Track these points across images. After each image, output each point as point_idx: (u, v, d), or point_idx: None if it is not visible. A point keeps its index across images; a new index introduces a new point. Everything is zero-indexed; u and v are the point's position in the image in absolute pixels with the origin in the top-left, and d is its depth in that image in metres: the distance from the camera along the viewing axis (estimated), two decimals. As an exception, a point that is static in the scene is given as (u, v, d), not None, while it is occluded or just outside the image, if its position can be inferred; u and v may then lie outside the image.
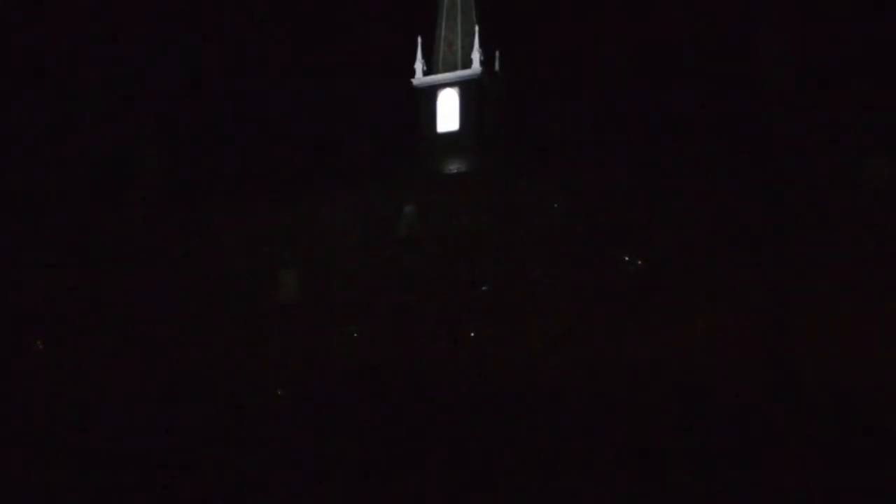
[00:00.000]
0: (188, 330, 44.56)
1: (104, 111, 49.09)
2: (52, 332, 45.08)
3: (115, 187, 47.05)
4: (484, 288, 38.83)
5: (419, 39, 46.45)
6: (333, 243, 42.40)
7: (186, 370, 43.91)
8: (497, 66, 47.37)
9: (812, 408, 28.01)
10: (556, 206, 38.17)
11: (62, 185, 47.64)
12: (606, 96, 44.52)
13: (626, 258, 36.15)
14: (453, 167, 41.77)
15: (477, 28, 45.37)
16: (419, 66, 45.98)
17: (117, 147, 48.78)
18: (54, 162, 48.34)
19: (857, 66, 33.60)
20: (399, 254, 40.72)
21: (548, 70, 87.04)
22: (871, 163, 31.91)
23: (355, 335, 41.09)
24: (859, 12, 35.28)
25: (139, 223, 46.18)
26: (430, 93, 45.27)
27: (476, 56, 44.45)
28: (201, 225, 45.90)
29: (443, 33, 46.44)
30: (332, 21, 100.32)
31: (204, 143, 54.61)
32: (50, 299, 45.93)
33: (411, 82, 45.84)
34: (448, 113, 44.74)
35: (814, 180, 32.52)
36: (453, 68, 45.36)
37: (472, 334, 38.73)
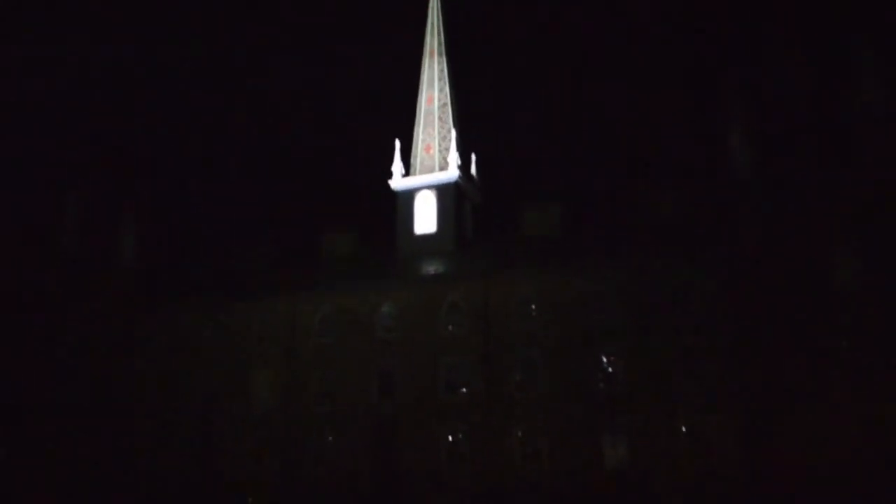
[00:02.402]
0: (158, 434, 43.27)
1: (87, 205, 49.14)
2: (19, 433, 43.64)
3: (90, 284, 46.47)
4: (463, 391, 38.39)
5: (397, 143, 47.46)
6: (309, 344, 41.89)
7: (156, 476, 42.49)
8: (473, 170, 48.36)
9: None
10: (533, 307, 38.28)
11: (38, 282, 47.05)
12: (582, 200, 45.44)
13: (605, 359, 36.11)
14: (430, 268, 41.93)
15: (454, 132, 46.49)
16: (397, 168, 46.77)
17: (94, 244, 48.58)
18: (31, 258, 47.97)
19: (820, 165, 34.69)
20: (376, 355, 40.29)
21: (524, 173, 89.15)
22: (840, 262, 32.59)
23: (330, 438, 40.09)
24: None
25: (114, 320, 45.39)
26: (408, 195, 45.88)
27: (453, 160, 45.34)
28: (175, 323, 45.08)
29: (420, 137, 47.52)
30: (312, 120, 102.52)
31: (180, 242, 54.50)
32: (18, 397, 44.70)
33: (389, 184, 46.55)
34: (425, 215, 45.25)
35: (784, 281, 33.03)
36: (431, 171, 46.20)
37: (451, 438, 38.04)
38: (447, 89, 48.09)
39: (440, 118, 47.44)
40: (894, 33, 35.11)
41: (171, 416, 43.19)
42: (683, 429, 33.85)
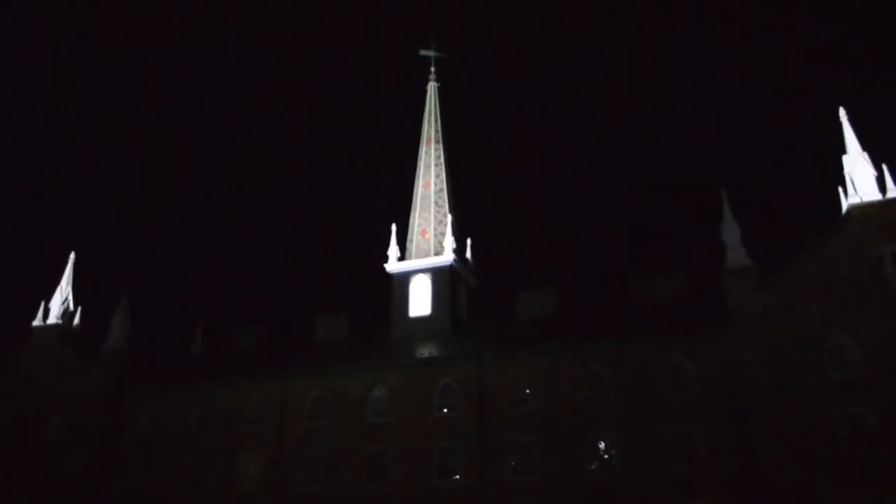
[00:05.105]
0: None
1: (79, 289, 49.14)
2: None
3: (80, 363, 45.85)
4: (456, 477, 37.41)
5: (393, 227, 47.94)
6: (300, 426, 40.91)
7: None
8: (469, 253, 48.70)
9: None
10: (527, 391, 37.79)
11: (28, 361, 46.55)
12: (576, 283, 45.69)
13: (601, 444, 35.42)
14: (425, 352, 41.53)
15: (450, 217, 47.04)
16: (393, 252, 47.10)
17: (86, 323, 48.35)
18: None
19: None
20: (367, 438, 39.37)
21: (518, 256, 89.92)
22: (837, 348, 32.54)
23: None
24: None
25: (103, 400, 44.47)
26: (404, 278, 46.04)
27: (448, 244, 45.75)
28: (165, 404, 44.11)
29: (416, 221, 48.09)
30: (309, 204, 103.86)
31: (173, 321, 54.26)
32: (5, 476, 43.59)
33: (385, 268, 46.74)
34: (420, 298, 45.30)
35: (781, 365, 32.83)
36: (426, 255, 46.53)
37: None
38: (444, 175, 49.11)
39: (436, 203, 48.18)
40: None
41: (158, 496, 41.76)
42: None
